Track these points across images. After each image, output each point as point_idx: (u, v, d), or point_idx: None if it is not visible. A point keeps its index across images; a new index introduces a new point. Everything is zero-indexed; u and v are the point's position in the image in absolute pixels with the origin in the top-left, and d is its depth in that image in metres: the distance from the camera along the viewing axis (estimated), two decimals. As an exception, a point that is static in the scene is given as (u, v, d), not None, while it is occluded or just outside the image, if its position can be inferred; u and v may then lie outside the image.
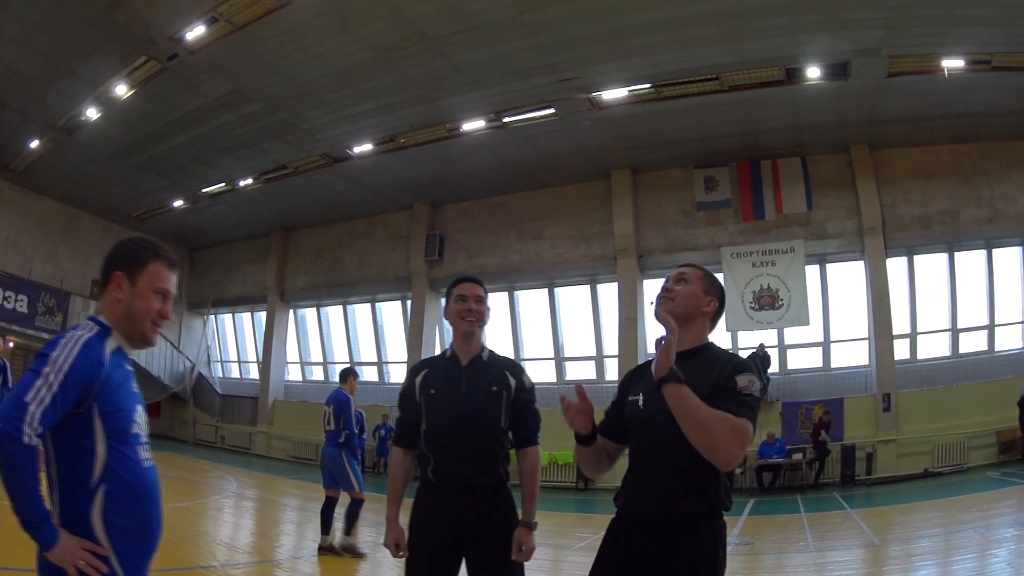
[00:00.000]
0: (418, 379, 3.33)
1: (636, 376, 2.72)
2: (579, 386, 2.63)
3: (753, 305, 17.87)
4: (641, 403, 2.56)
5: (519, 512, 3.27)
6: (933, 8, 13.26)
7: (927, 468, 16.19)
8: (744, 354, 17.07)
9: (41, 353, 2.10)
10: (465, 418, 3.20)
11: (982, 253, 17.82)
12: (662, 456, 2.46)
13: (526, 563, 3.22)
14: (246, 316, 26.89)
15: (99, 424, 2.12)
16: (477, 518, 3.16)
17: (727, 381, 2.45)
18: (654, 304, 2.67)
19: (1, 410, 1.99)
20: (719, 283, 2.78)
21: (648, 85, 15.57)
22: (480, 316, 3.32)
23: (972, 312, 17.67)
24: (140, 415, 2.26)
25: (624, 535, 2.52)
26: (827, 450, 16.88)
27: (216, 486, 14.84)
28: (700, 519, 2.44)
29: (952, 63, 15.21)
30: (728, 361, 2.52)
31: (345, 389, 8.39)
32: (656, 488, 2.45)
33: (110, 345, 2.20)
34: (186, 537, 8.33)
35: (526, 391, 3.34)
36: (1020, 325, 17.42)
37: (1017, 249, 17.80)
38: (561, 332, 19.57)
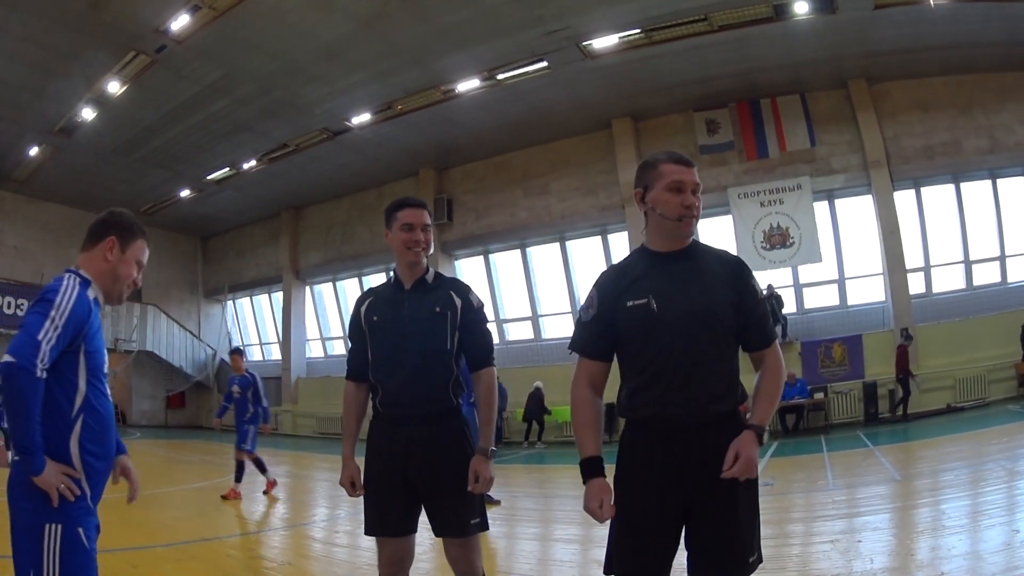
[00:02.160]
0: (363, 308, 3.27)
1: (624, 277, 2.56)
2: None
3: (764, 245, 18.07)
4: (655, 306, 2.44)
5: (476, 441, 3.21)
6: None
7: (949, 403, 16.37)
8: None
9: (43, 298, 2.46)
10: (408, 343, 3.12)
11: (987, 183, 17.84)
12: (697, 358, 2.40)
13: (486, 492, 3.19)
14: (263, 298, 27.49)
15: (83, 362, 2.53)
16: (428, 448, 3.09)
17: (753, 292, 2.54)
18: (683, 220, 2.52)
19: (16, 348, 2.34)
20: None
21: (638, 31, 15.71)
22: (428, 244, 3.23)
23: (983, 243, 17.77)
24: (106, 356, 2.68)
25: (663, 440, 2.43)
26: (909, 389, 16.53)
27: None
28: (736, 417, 2.46)
29: None
30: (736, 265, 2.54)
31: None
32: (697, 391, 2.39)
33: (91, 294, 2.61)
34: (221, 510, 9.12)
35: (473, 310, 3.22)
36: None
37: (1021, 179, 17.80)
38: (576, 285, 19.93)
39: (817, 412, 17.52)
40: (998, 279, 17.52)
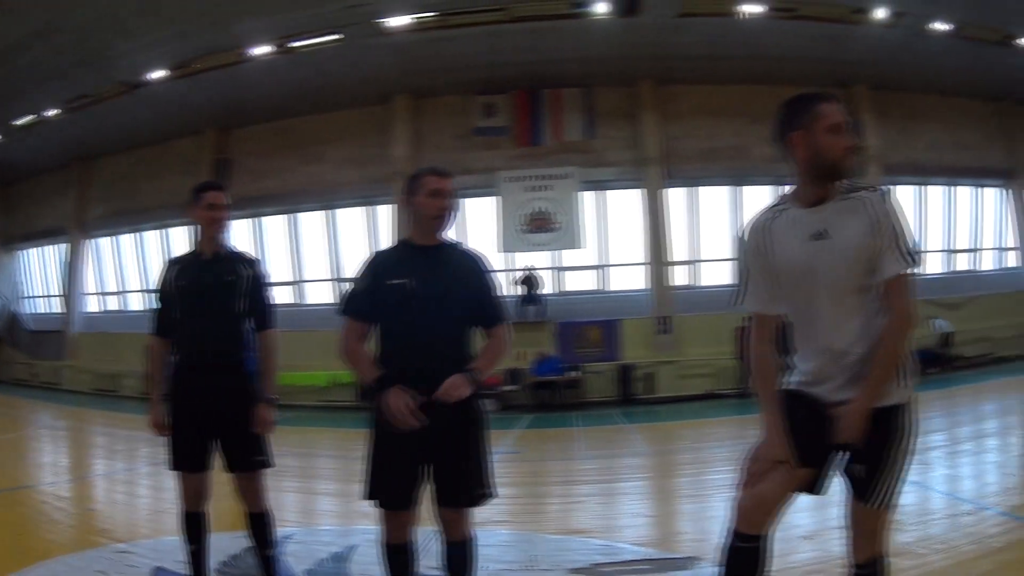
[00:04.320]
0: (172, 273, 3.91)
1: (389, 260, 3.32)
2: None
3: (527, 228, 18.93)
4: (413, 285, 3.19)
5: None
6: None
7: (710, 389, 17.70)
8: (515, 276, 18.55)
9: None
10: (206, 305, 3.77)
11: (770, 189, 19.33)
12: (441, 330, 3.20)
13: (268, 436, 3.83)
14: (51, 249, 26.62)
15: None
16: (220, 396, 3.71)
17: (488, 283, 3.34)
18: None
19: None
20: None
21: (435, 13, 16.31)
22: (222, 221, 3.91)
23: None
24: None
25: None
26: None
27: (28, 420, 16.00)
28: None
29: (751, 7, 16.70)
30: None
31: None
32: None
33: None
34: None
35: (259, 281, 3.91)
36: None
37: None
38: (339, 254, 20.41)
39: (571, 389, 18.47)
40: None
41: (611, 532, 5.62)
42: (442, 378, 3.05)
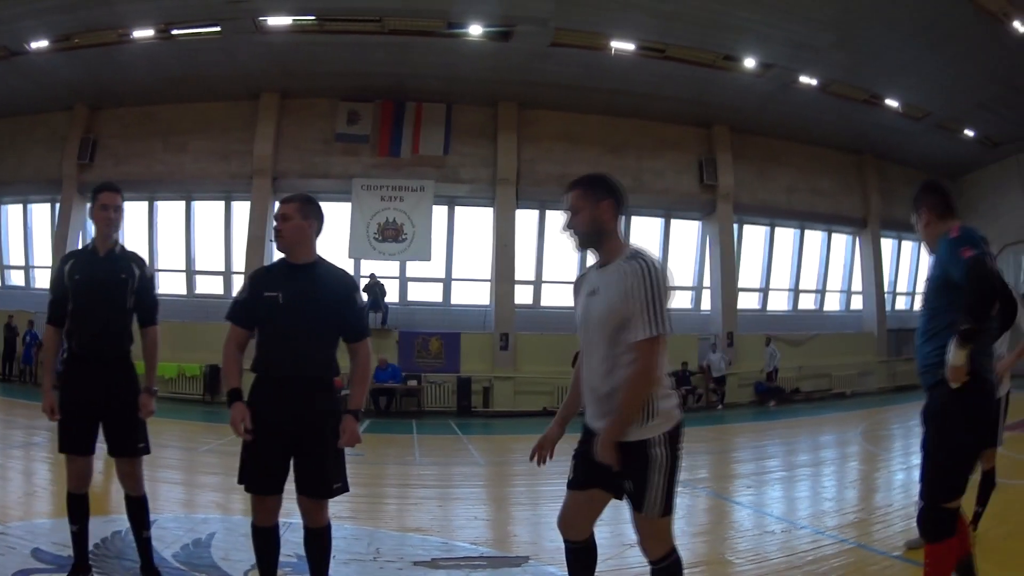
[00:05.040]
0: (66, 267, 4.20)
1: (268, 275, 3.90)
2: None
3: (377, 236, 19.50)
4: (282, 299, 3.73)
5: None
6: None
7: (545, 407, 18.38)
8: (360, 283, 19.09)
9: None
10: (98, 299, 4.09)
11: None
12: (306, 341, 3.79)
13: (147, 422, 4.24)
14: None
15: None
16: (107, 385, 4.08)
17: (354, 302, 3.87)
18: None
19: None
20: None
21: (313, 17, 16.82)
22: (117, 224, 4.30)
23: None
24: None
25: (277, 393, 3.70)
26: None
27: None
28: (331, 383, 3.94)
29: (622, 44, 17.49)
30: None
31: None
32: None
33: None
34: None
35: (147, 280, 4.31)
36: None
37: (657, 220, 21.41)
38: (194, 246, 20.73)
39: (410, 397, 19.14)
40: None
41: (448, 532, 6.29)
42: (305, 383, 3.70)
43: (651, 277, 2.91)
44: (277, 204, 3.89)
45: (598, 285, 3.08)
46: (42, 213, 21.70)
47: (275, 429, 3.62)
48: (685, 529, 6.18)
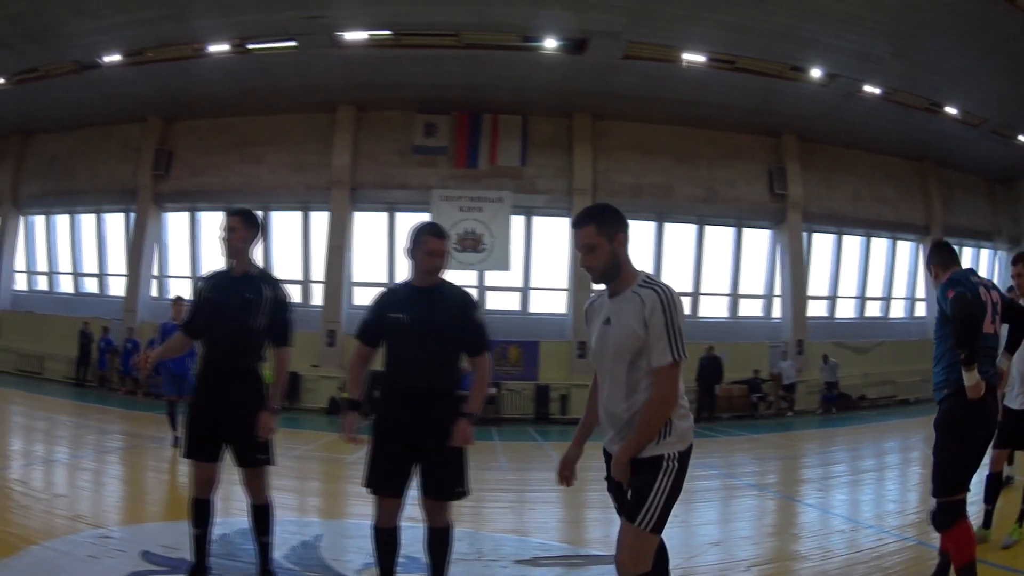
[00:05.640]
0: (200, 285, 4.50)
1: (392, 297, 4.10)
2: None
3: (456, 246, 19.54)
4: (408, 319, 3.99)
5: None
6: (678, 8, 15.91)
7: None
8: None
9: None
10: (224, 319, 4.27)
11: (693, 227, 21.08)
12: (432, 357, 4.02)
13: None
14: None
15: None
16: (232, 399, 4.23)
17: (474, 320, 4.10)
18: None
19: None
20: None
21: (389, 32, 16.97)
22: (234, 244, 4.37)
23: (681, 278, 20.72)
24: None
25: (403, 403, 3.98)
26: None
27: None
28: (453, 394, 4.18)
29: (692, 56, 17.73)
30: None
31: None
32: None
33: None
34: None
35: (280, 301, 4.40)
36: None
37: (729, 230, 21.69)
38: (272, 255, 20.74)
39: (490, 405, 19.15)
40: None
41: (541, 532, 6.64)
42: (430, 394, 3.92)
43: (669, 304, 2.98)
44: (430, 240, 4.04)
45: (612, 313, 3.12)
46: (116, 222, 21.86)
47: (400, 437, 3.91)
48: (757, 529, 6.90)
